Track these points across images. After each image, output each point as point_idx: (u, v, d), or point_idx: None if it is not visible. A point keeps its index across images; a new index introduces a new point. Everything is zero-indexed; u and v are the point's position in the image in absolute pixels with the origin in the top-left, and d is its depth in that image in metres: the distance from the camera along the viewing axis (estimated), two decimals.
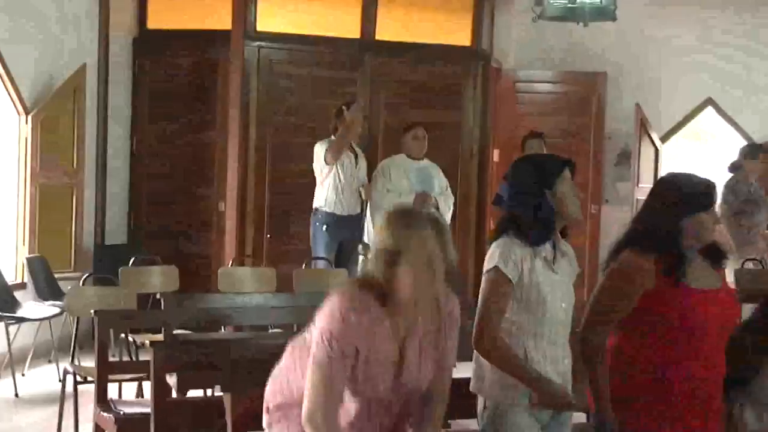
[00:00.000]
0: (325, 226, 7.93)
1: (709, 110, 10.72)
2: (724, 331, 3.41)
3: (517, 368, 3.34)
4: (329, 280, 6.77)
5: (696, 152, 11.11)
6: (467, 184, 9.63)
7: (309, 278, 6.97)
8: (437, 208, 7.92)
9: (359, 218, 8.06)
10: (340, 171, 7.86)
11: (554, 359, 3.42)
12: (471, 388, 3.49)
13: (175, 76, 9.18)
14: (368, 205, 8.07)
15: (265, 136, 8.98)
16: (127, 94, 9.22)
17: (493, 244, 3.43)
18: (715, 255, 3.47)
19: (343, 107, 7.93)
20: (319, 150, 7.87)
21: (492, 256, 3.38)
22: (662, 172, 10.89)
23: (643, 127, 10.59)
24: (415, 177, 8.05)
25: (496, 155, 10.38)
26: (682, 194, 3.39)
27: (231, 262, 8.05)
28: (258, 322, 6.35)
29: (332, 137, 7.90)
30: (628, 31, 10.28)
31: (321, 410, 2.94)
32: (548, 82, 10.71)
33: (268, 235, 8.94)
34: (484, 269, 3.40)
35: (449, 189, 8.28)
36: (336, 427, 2.98)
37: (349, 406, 3.05)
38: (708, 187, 3.41)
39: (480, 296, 3.38)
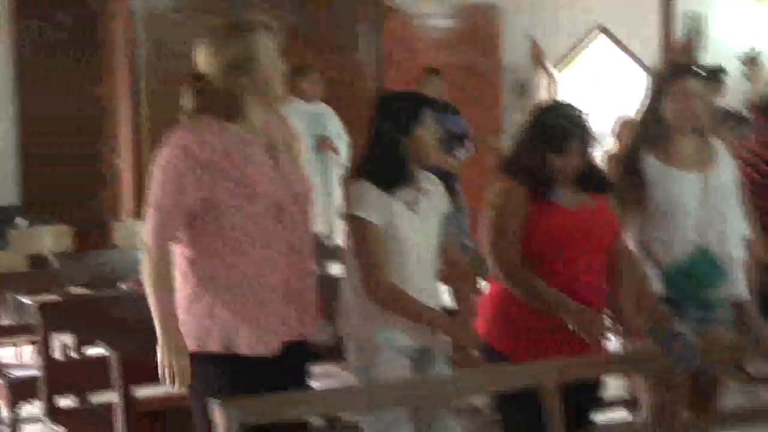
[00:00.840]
0: None
1: (602, 38, 10.60)
2: (595, 245, 3.39)
3: (423, 310, 3.33)
4: None
5: (590, 80, 10.99)
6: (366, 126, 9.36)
7: None
8: (335, 152, 7.71)
9: None
10: None
11: (421, 299, 3.36)
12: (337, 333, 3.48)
13: (60, 29, 8.72)
14: None
15: (157, 87, 8.59)
16: (10, 49, 8.73)
17: (351, 187, 3.39)
18: (592, 183, 3.46)
19: None
20: None
21: (351, 202, 3.34)
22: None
23: (538, 58, 10.45)
24: (308, 120, 7.77)
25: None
26: (543, 132, 3.41)
27: (128, 216, 7.73)
28: None
29: None
30: None
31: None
32: (442, 17, 10.44)
33: None
34: (346, 211, 3.37)
35: (345, 132, 8.04)
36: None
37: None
38: (564, 129, 3.38)
39: (354, 248, 3.34)
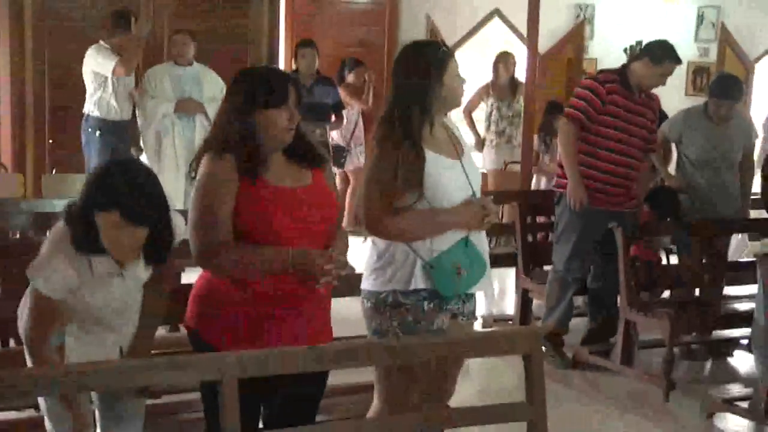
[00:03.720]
0: (97, 132, 7.33)
1: (496, 21, 10.34)
2: (310, 227, 3.06)
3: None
4: (77, 185, 6.17)
5: (485, 61, 10.75)
6: None
7: (58, 183, 6.41)
8: (206, 115, 7.39)
9: (131, 124, 7.45)
10: (111, 77, 7.21)
11: None
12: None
13: None
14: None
15: (42, 43, 8.21)
16: None
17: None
18: (304, 155, 3.15)
19: (132, 18, 7.34)
20: (93, 56, 7.27)
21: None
22: None
23: (433, 37, 10.16)
24: (177, 83, 7.45)
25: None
26: (248, 88, 3.05)
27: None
28: None
29: (102, 43, 7.26)
30: None
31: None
32: None
33: (51, 141, 8.26)
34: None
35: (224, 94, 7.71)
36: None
37: None
38: (269, 82, 3.06)
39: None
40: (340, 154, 8.82)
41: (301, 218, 3.04)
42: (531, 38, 7.56)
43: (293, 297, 3.03)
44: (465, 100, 9.63)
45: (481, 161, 9.48)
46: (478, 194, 3.43)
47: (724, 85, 6.12)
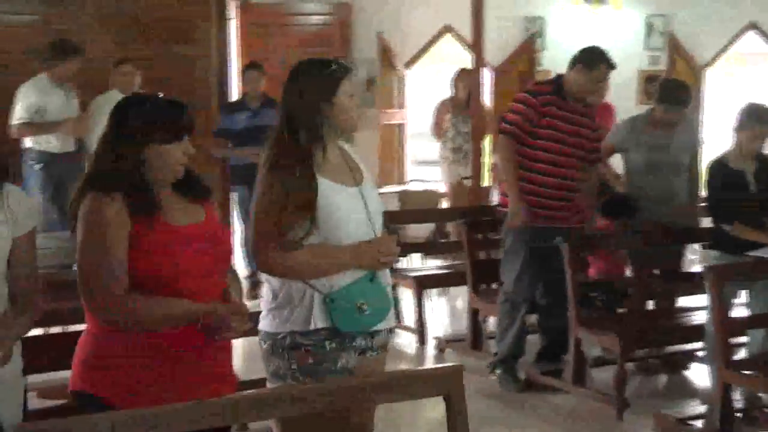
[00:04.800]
0: (38, 165, 6.93)
1: (448, 37, 10.05)
2: (209, 267, 2.72)
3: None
4: None
5: (438, 75, 10.50)
6: (208, 118, 8.67)
7: None
8: None
9: (74, 155, 7.06)
10: (48, 109, 6.84)
11: None
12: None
13: None
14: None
15: None
16: None
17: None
18: (193, 188, 2.79)
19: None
20: (26, 92, 6.88)
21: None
22: (407, 98, 10.31)
23: (386, 54, 9.88)
24: None
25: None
26: (141, 121, 2.67)
27: None
28: None
29: (42, 75, 6.91)
30: None
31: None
32: (295, 13, 9.79)
33: None
34: None
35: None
36: None
37: None
38: (164, 114, 2.69)
39: None
40: None
41: (200, 258, 2.69)
42: (476, 52, 7.26)
43: (193, 347, 2.68)
44: (426, 118, 9.70)
45: (440, 177, 9.24)
46: (378, 224, 3.06)
47: (672, 91, 5.81)
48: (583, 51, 5.37)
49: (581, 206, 5.42)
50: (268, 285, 3.01)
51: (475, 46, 7.21)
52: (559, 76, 5.37)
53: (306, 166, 2.89)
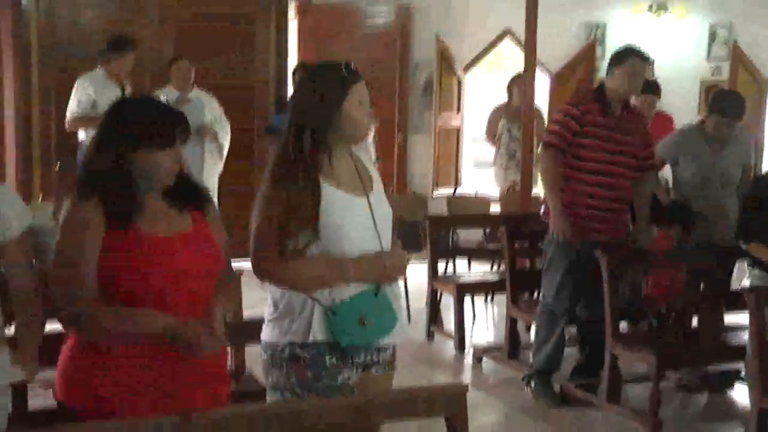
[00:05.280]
0: None
1: (507, 41, 9.87)
2: (190, 281, 2.59)
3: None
4: None
5: (496, 81, 10.30)
6: (266, 119, 8.64)
7: None
8: (216, 138, 7.27)
9: None
10: (100, 104, 6.87)
11: None
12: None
13: None
14: None
15: (50, 82, 7.89)
16: None
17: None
18: (185, 196, 2.68)
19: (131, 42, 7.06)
20: (82, 85, 6.94)
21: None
22: (465, 102, 10.15)
23: (444, 57, 9.74)
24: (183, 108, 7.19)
25: None
26: (133, 124, 2.56)
27: None
28: None
29: (97, 69, 6.96)
30: None
31: None
32: (356, 15, 9.69)
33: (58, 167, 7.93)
34: None
35: (224, 117, 7.46)
36: None
37: None
38: (155, 119, 2.57)
39: None
40: None
41: (180, 271, 2.57)
42: (529, 57, 7.07)
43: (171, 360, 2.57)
44: (483, 122, 9.56)
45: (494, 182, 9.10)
46: (387, 234, 2.91)
47: (726, 103, 5.54)
48: (614, 52, 5.19)
49: (625, 219, 5.22)
50: (270, 294, 2.92)
51: (528, 49, 7.03)
52: (602, 84, 5.18)
53: (310, 173, 2.76)
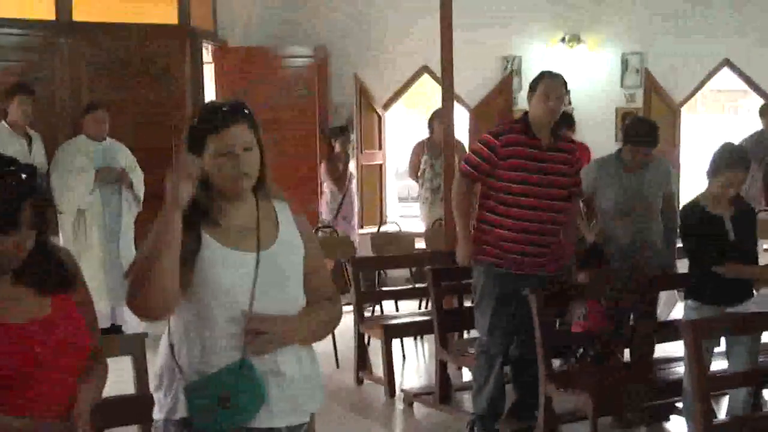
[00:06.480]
0: None
1: (426, 77, 9.58)
2: (50, 372, 2.18)
3: None
4: None
5: (417, 117, 10.02)
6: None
7: None
8: (131, 185, 6.83)
9: None
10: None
11: None
12: None
13: None
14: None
15: None
16: None
17: None
18: (41, 278, 2.23)
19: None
20: None
21: None
22: (386, 139, 9.85)
23: (363, 95, 9.43)
24: (97, 157, 6.75)
25: None
26: None
27: None
28: None
29: (3, 124, 6.49)
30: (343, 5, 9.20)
31: None
32: (275, 56, 9.32)
33: None
34: None
35: (137, 166, 6.97)
36: None
37: None
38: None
39: None
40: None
41: (36, 361, 2.15)
42: (446, 91, 6.76)
43: None
44: (405, 158, 9.25)
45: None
46: (274, 294, 2.41)
47: (638, 131, 5.32)
48: (531, 82, 4.91)
49: (559, 253, 4.89)
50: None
51: (445, 84, 6.71)
52: (526, 113, 4.88)
53: (193, 222, 2.35)
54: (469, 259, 4.86)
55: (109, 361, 2.50)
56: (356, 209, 9.07)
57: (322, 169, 8.92)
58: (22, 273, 2.20)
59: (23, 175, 2.12)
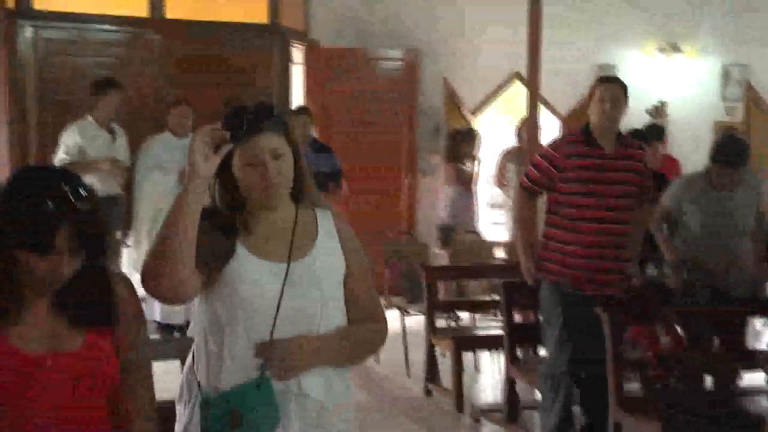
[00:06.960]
0: None
1: (518, 84, 9.30)
2: (73, 412, 2.01)
3: None
4: None
5: (506, 123, 9.74)
6: None
7: None
8: None
9: (118, 198, 6.55)
10: (88, 152, 6.37)
11: None
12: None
13: None
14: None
15: (47, 120, 7.40)
16: None
17: None
18: (78, 309, 2.04)
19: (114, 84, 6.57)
20: (69, 133, 6.44)
21: None
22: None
23: (451, 100, 9.21)
24: (180, 154, 6.65)
25: (314, 131, 8.89)
26: (7, 219, 1.94)
27: None
28: None
29: (88, 118, 6.47)
30: (438, 6, 9.05)
31: None
32: (365, 57, 9.17)
33: None
34: None
35: None
36: None
37: None
38: (28, 219, 1.92)
39: None
40: (446, 233, 7.95)
41: (53, 398, 1.98)
42: (532, 99, 6.51)
43: None
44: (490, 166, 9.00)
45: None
46: (303, 304, 2.24)
47: (725, 151, 4.97)
48: None
49: (623, 266, 4.59)
50: None
51: (532, 91, 6.47)
52: (587, 123, 4.60)
53: (227, 233, 2.22)
54: (531, 276, 4.63)
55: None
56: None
57: (448, 171, 8.52)
58: (59, 300, 2.03)
59: (66, 193, 1.93)
